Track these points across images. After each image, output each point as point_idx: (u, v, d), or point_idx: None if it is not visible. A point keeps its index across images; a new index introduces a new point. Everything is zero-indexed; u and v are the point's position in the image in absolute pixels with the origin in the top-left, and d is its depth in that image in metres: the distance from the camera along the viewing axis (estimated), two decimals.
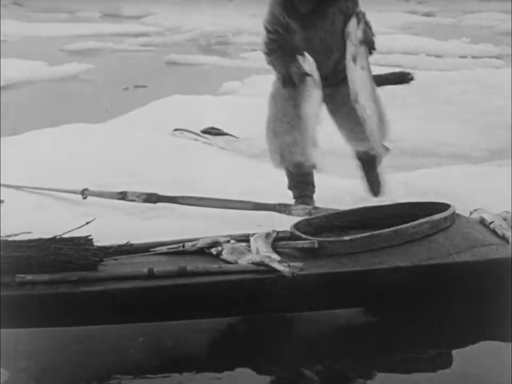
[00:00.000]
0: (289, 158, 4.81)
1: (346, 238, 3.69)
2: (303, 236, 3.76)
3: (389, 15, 28.95)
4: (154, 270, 3.51)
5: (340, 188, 5.64)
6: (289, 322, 3.69)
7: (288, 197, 5.15)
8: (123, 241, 4.09)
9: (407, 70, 11.40)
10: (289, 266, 3.53)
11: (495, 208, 4.30)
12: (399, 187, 5.61)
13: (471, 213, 4.11)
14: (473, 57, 15.33)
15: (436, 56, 15.75)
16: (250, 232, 4.05)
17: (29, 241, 3.52)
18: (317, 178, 5.95)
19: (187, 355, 3.49)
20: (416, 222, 3.75)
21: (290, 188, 5.10)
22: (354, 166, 6.83)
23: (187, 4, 31.78)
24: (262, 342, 3.57)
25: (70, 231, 3.83)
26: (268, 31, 4.52)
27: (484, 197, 5.14)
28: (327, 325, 3.70)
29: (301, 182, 5.03)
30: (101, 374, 3.33)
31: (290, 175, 5.02)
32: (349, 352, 3.54)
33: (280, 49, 4.56)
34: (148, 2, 33.37)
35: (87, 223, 3.74)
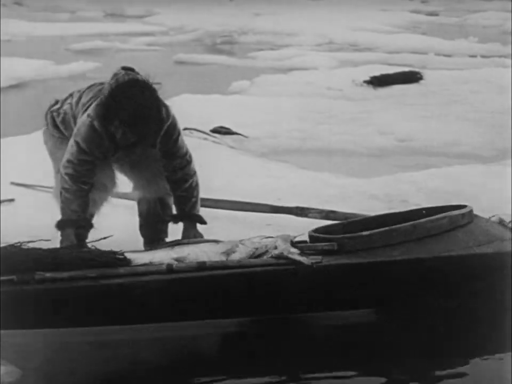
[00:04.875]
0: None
1: (365, 233, 3.67)
2: (322, 236, 3.73)
3: (393, 14, 28.99)
4: (173, 265, 3.51)
5: (347, 187, 5.63)
6: (300, 323, 3.67)
7: (298, 197, 5.14)
8: (134, 241, 4.11)
9: (416, 70, 11.42)
10: (308, 257, 3.53)
11: (505, 207, 4.30)
12: (409, 186, 5.59)
13: (489, 218, 4.10)
14: (483, 56, 15.32)
15: (445, 55, 15.75)
16: (261, 232, 4.07)
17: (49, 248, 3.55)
18: (325, 177, 5.97)
19: (199, 356, 3.49)
20: (434, 217, 3.74)
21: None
22: (360, 166, 6.88)
23: (188, 4, 31.84)
24: (271, 344, 3.55)
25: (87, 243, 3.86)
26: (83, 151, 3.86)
27: (493, 196, 5.13)
28: (339, 325, 3.69)
29: None
30: (113, 374, 3.34)
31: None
32: (361, 353, 3.53)
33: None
34: (149, 2, 33.40)
35: (104, 238, 3.75)
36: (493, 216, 4.10)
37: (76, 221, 3.89)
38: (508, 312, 3.59)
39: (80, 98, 4.04)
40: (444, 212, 3.87)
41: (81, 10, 33.03)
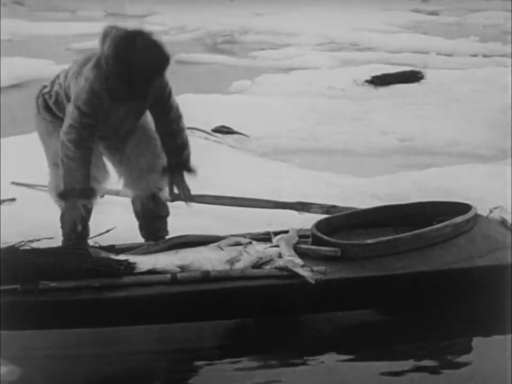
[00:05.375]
0: None
1: (369, 241, 3.68)
2: (325, 238, 3.74)
3: (393, 14, 28.93)
4: (178, 275, 3.51)
5: (348, 186, 5.64)
6: (301, 321, 3.70)
7: (299, 196, 5.13)
8: (135, 240, 4.11)
9: (417, 69, 11.42)
10: (312, 271, 3.53)
11: (506, 207, 4.30)
12: (410, 186, 5.60)
13: (490, 211, 4.10)
14: (484, 55, 15.33)
15: (446, 55, 15.77)
16: (260, 230, 4.07)
17: (52, 248, 3.54)
18: (326, 176, 5.98)
19: (198, 353, 3.50)
20: (438, 226, 3.75)
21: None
22: (362, 165, 6.88)
23: (189, 3, 31.77)
24: (272, 341, 3.58)
25: (89, 238, 3.85)
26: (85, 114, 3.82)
27: (494, 195, 5.12)
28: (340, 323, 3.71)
29: None
30: (113, 372, 3.36)
31: None
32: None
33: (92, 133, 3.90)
34: (150, 2, 33.34)
35: (107, 231, 3.74)
36: (495, 208, 4.10)
37: (81, 190, 3.83)
38: (508, 326, 3.60)
39: (67, 74, 3.98)
40: (444, 208, 3.89)
41: (81, 10, 32.97)
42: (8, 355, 3.30)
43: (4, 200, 5.10)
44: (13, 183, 5.44)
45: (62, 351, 3.45)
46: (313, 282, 3.49)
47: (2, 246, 3.51)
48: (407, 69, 11.50)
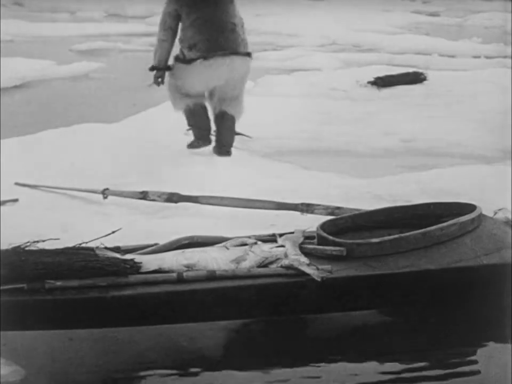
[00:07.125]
0: None
1: (375, 240, 3.67)
2: (330, 238, 3.73)
3: (395, 15, 28.96)
4: (184, 274, 3.50)
5: (351, 187, 5.63)
6: (303, 322, 3.69)
7: (303, 197, 5.13)
8: (138, 241, 4.10)
9: (420, 70, 11.41)
10: (318, 269, 3.52)
11: (508, 208, 4.29)
12: (413, 187, 5.59)
13: (495, 213, 4.10)
14: (486, 57, 15.33)
15: (449, 56, 15.77)
16: (264, 232, 4.06)
17: (58, 249, 3.51)
18: (329, 177, 5.97)
19: (201, 354, 3.49)
20: (444, 224, 3.73)
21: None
22: (365, 166, 6.87)
23: None
24: (275, 342, 3.57)
25: (94, 240, 3.84)
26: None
27: (497, 196, 5.12)
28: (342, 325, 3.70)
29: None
30: (115, 373, 3.35)
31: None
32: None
33: None
34: (150, 2, 33.33)
35: (113, 232, 3.74)
36: (500, 209, 4.10)
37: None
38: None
39: None
40: (451, 209, 3.88)
41: (81, 11, 32.95)
42: (12, 355, 3.30)
43: (6, 201, 5.09)
44: (16, 183, 5.44)
45: (64, 351, 3.44)
46: (319, 280, 3.48)
47: (7, 246, 3.50)
48: (410, 70, 11.48)
